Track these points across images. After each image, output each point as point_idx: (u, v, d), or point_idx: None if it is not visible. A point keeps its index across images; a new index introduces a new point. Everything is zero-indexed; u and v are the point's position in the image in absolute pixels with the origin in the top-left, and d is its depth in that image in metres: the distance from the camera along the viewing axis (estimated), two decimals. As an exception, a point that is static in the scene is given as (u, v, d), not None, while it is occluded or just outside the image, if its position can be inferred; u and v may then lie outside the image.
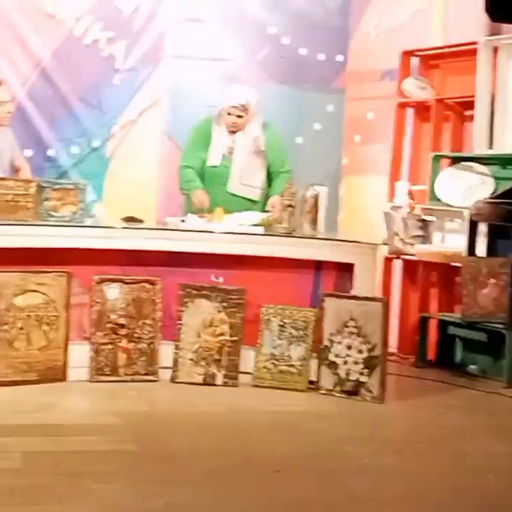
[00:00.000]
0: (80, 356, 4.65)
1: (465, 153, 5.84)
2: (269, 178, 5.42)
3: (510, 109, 5.54)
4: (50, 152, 6.07)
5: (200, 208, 5.23)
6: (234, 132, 5.34)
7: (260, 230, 4.99)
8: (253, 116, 5.35)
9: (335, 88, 6.62)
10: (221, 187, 5.32)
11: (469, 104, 5.78)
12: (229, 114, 5.30)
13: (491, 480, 3.48)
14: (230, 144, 5.35)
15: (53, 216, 4.71)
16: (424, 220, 5.84)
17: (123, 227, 4.85)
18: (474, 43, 5.65)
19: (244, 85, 5.55)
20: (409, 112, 6.21)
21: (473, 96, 5.64)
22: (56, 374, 4.60)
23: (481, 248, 5.49)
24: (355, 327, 4.67)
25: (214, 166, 5.37)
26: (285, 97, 6.39)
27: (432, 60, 6.13)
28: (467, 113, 5.93)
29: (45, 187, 4.72)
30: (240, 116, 5.30)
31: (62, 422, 3.95)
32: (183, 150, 5.50)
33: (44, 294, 4.59)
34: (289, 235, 4.99)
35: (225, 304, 4.81)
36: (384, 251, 5.84)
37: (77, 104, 6.11)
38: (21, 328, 4.53)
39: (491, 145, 5.61)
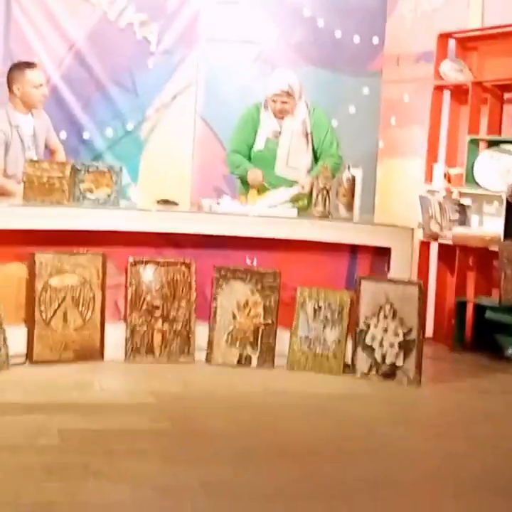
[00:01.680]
0: (116, 337, 4.67)
1: (503, 137, 5.76)
2: (317, 161, 5.39)
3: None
4: (84, 135, 6.08)
5: (257, 185, 5.23)
6: (282, 118, 5.33)
7: (294, 212, 4.96)
8: (299, 100, 5.32)
9: (370, 71, 6.56)
10: (268, 170, 5.31)
11: (508, 87, 5.71)
12: (274, 101, 5.29)
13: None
14: (276, 128, 5.34)
15: (88, 198, 4.72)
16: (461, 204, 5.78)
17: (158, 210, 4.85)
18: (513, 25, 5.58)
19: (285, 70, 5.50)
20: (446, 95, 6.14)
21: (511, 79, 5.56)
22: (92, 354, 4.62)
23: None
24: (391, 310, 4.63)
25: (259, 151, 5.37)
26: (320, 80, 6.34)
27: (469, 43, 6.05)
28: (506, 96, 5.85)
29: (80, 169, 4.72)
30: (284, 102, 5.28)
31: (98, 401, 3.97)
32: (231, 136, 5.50)
33: (80, 275, 4.61)
34: (324, 218, 4.96)
35: (259, 287, 4.79)
36: (420, 235, 5.79)
37: (112, 87, 6.10)
38: (58, 309, 4.55)
39: (529, 128, 5.53)
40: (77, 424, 3.59)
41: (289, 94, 5.26)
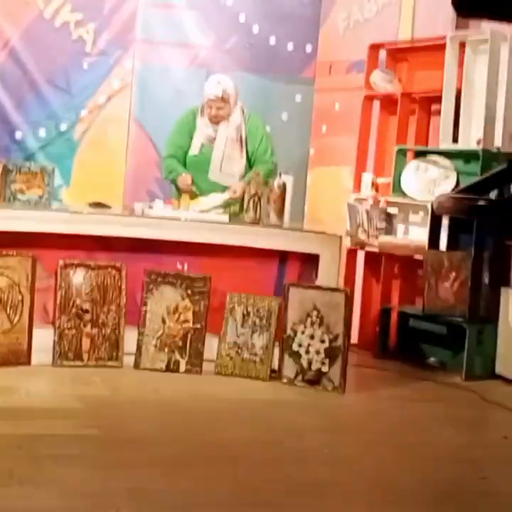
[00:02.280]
0: (43, 340, 4.65)
1: (430, 147, 5.90)
2: (251, 167, 5.44)
3: (475, 105, 5.60)
4: (17, 134, 6.03)
5: (187, 190, 5.26)
6: (217, 123, 5.36)
7: (226, 218, 5.02)
8: (235, 105, 5.37)
9: (303, 78, 6.64)
10: (202, 175, 5.34)
11: (435, 99, 5.83)
12: (209, 107, 5.32)
13: (447, 471, 3.56)
14: (211, 134, 5.37)
15: (19, 199, 4.70)
16: (387, 213, 5.90)
17: (89, 213, 4.85)
18: (442, 38, 5.70)
19: (220, 75, 5.53)
20: (376, 105, 6.25)
21: (439, 90, 5.70)
22: (19, 358, 4.59)
23: (444, 242, 5.57)
24: (318, 317, 4.72)
25: (194, 156, 5.40)
26: (254, 86, 6.39)
27: (399, 54, 6.17)
28: (433, 107, 5.99)
29: (11, 170, 4.70)
30: (219, 108, 5.31)
31: (24, 406, 3.95)
32: (167, 141, 5.51)
33: (8, 277, 4.58)
34: (254, 224, 5.02)
35: (189, 292, 4.84)
36: (347, 242, 5.90)
37: (46, 87, 6.07)
38: (-15, 311, 4.53)
39: (455, 140, 5.68)
40: (2, 429, 3.56)
41: (223, 99, 5.30)
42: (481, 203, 5.22)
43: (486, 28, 5.52)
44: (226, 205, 5.23)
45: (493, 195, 5.32)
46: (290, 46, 6.61)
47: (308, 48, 6.65)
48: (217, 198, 5.21)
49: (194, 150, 5.41)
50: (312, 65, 6.67)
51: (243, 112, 5.43)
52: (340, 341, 4.68)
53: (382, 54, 6.20)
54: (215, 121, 5.36)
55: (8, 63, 6.00)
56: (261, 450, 3.62)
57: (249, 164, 5.45)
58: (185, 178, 5.30)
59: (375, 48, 6.16)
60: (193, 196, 5.22)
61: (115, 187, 6.12)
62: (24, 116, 6.04)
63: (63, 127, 6.15)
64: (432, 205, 5.45)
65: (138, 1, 6.28)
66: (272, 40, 6.57)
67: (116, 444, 3.53)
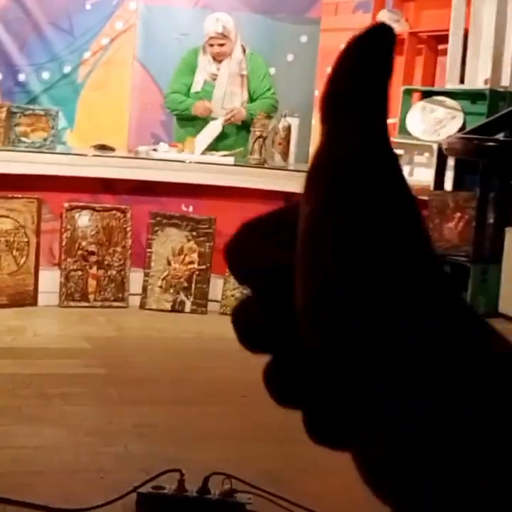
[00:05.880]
0: (50, 282, 4.69)
1: (436, 88, 5.86)
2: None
3: (482, 45, 5.55)
4: (20, 77, 6.01)
5: (208, 114, 5.23)
6: (220, 61, 5.33)
7: (231, 160, 5.01)
8: (235, 41, 5.33)
9: (309, 18, 6.56)
10: None
11: (442, 38, 5.78)
12: (211, 45, 5.29)
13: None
14: (214, 71, 5.35)
15: (24, 142, 4.70)
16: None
17: (94, 155, 4.85)
18: (449, -24, 5.64)
19: (219, 13, 5.49)
20: (383, 45, 6.19)
21: (446, 30, 5.64)
22: (26, 299, 4.64)
23: (449, 183, 5.56)
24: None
25: (196, 92, 5.38)
26: (258, 27, 6.32)
27: (406, -7, 6.12)
28: (440, 47, 5.94)
29: (15, 112, 4.69)
30: (221, 45, 5.28)
31: (32, 346, 4.01)
32: (171, 79, 5.48)
33: (14, 219, 4.60)
34: (259, 166, 5.02)
35: (194, 233, 4.85)
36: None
37: (49, 29, 6.03)
38: (-9, 253, 4.56)
39: (462, 80, 5.63)
40: (10, 368, 3.63)
41: (224, 36, 5.27)
42: (491, 143, 5.19)
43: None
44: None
45: (500, 136, 5.29)
46: (295, -14, 6.52)
47: (314, -12, 6.56)
48: (215, 125, 5.17)
49: (196, 87, 5.37)
50: (318, 4, 6.58)
51: (244, 49, 5.40)
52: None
53: (389, -7, 6.14)
54: (219, 58, 5.33)
55: (10, 5, 5.93)
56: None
57: (251, 101, 5.42)
58: (204, 104, 5.24)
59: (381, -14, 6.09)
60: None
61: (119, 130, 6.09)
62: (27, 58, 6.00)
63: (66, 69, 6.11)
64: (439, 146, 5.43)
65: None
66: (277, -20, 6.48)
67: (123, 383, 3.58)
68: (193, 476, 2.54)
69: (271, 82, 5.46)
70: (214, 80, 5.35)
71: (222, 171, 4.91)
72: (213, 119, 5.24)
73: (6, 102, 5.28)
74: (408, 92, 5.86)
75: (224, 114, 5.31)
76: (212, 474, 2.58)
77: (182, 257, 4.86)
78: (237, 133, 5.37)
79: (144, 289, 4.84)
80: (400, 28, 6.02)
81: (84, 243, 4.76)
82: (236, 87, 5.37)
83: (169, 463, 2.69)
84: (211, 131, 5.17)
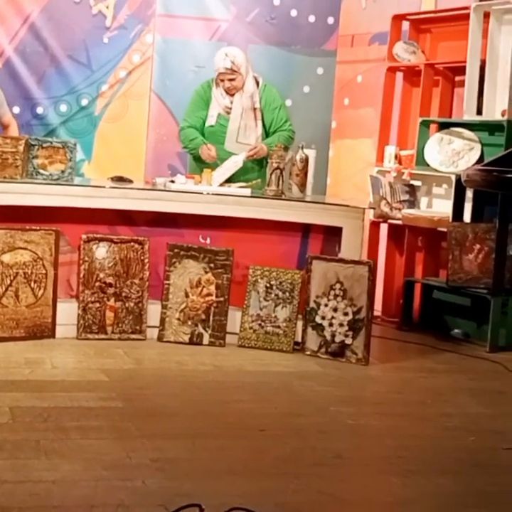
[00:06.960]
0: (68, 314, 4.68)
1: (454, 119, 5.85)
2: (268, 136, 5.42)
3: (499, 76, 5.54)
4: (38, 109, 6.04)
5: (211, 161, 5.25)
6: (233, 95, 5.35)
7: (248, 192, 5.01)
8: (247, 74, 5.35)
9: (325, 51, 6.60)
10: (219, 146, 5.32)
11: (459, 70, 5.77)
12: (221, 80, 5.31)
13: (472, 441, 3.55)
14: (227, 104, 5.36)
15: (42, 174, 4.71)
16: (411, 185, 5.87)
17: (112, 187, 4.86)
18: (466, 8, 5.64)
19: (227, 47, 5.51)
20: (399, 76, 6.21)
21: (463, 61, 5.64)
22: (44, 331, 4.64)
23: (467, 214, 5.53)
24: (341, 290, 4.71)
25: (211, 126, 5.39)
26: (275, 59, 6.36)
27: (423, 25, 6.12)
28: (457, 79, 5.93)
29: (33, 145, 4.71)
30: (231, 80, 5.30)
31: (49, 378, 3.98)
32: (185, 112, 5.50)
33: (32, 251, 4.61)
34: (277, 197, 5.01)
35: (212, 265, 4.84)
36: (371, 215, 5.87)
37: (66, 62, 6.08)
38: (9, 286, 4.56)
39: (479, 111, 5.62)
40: (28, 401, 3.61)
41: (234, 71, 5.29)
42: (510, 175, 5.15)
43: (511, -4, 5.44)
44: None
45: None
46: (312, 18, 6.56)
47: (330, 20, 6.60)
48: (236, 159, 5.18)
49: (210, 121, 5.39)
50: (334, 37, 6.62)
51: (257, 81, 5.41)
52: (363, 314, 4.67)
53: (405, 25, 6.15)
54: (231, 93, 5.35)
55: (28, 39, 5.99)
56: (284, 421, 3.63)
57: (267, 134, 5.42)
58: (209, 149, 5.27)
59: (398, 18, 6.11)
60: (214, 169, 5.20)
61: (136, 161, 6.12)
62: (45, 91, 6.04)
63: (84, 102, 6.15)
64: (457, 178, 5.40)
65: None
66: (294, 13, 6.52)
67: (140, 416, 3.55)
68: (213, 511, 2.50)
69: (287, 113, 5.48)
70: (228, 113, 5.37)
71: (239, 202, 4.91)
72: (231, 154, 5.24)
73: (24, 134, 5.31)
74: (425, 124, 5.84)
75: (238, 147, 5.32)
76: (231, 509, 2.54)
77: (200, 289, 4.84)
78: (254, 164, 5.37)
79: (162, 321, 4.82)
80: (416, 59, 6.02)
81: (101, 275, 4.75)
82: (250, 120, 5.38)
83: (188, 497, 2.66)
84: (231, 166, 5.17)
